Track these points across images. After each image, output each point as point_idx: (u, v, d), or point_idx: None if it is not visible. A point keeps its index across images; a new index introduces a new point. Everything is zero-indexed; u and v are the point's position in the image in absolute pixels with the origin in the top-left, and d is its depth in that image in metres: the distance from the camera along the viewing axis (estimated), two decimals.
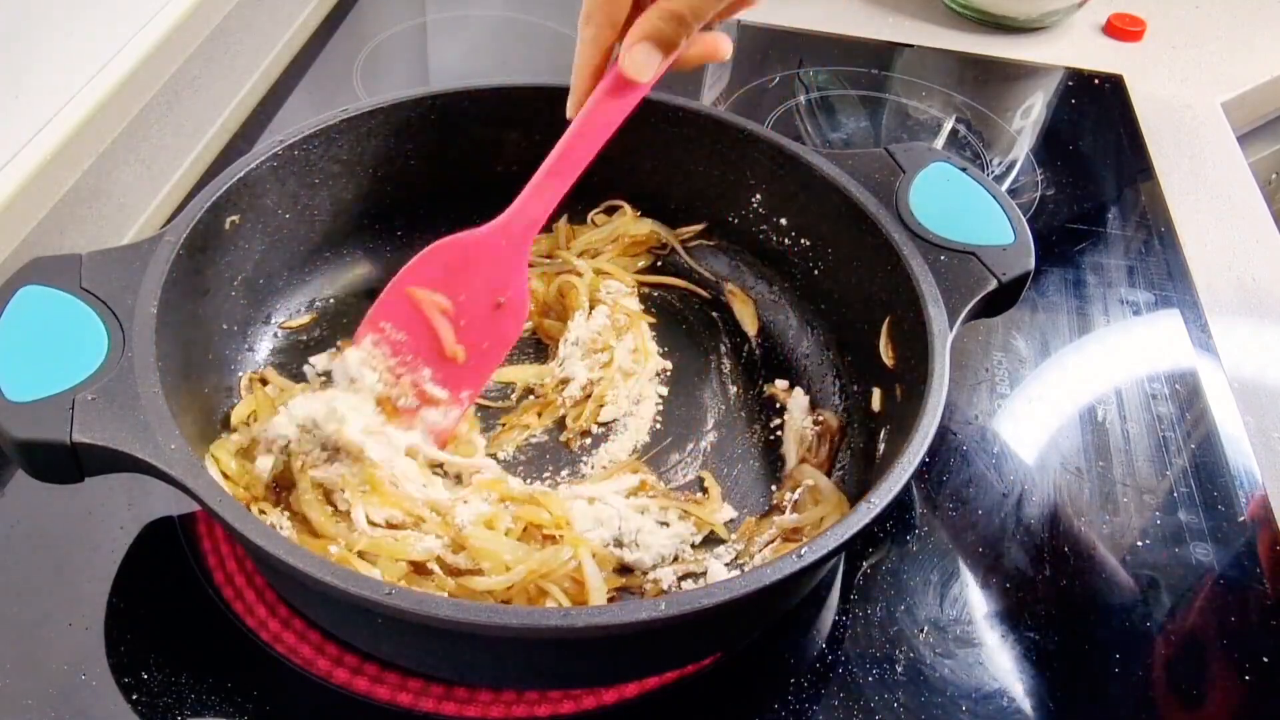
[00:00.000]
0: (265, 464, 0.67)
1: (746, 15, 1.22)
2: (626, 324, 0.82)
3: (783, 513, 0.71)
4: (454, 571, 0.64)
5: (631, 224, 0.87)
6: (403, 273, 0.70)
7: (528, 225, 0.69)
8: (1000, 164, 1.09)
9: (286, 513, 0.66)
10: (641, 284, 0.87)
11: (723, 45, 0.65)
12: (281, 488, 0.67)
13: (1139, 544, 0.74)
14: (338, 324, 0.82)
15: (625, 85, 0.65)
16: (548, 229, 0.88)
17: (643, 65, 0.63)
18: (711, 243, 0.88)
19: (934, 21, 1.29)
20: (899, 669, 0.65)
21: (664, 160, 0.85)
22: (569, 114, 0.68)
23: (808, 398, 0.78)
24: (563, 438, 0.76)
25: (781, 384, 0.80)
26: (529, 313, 0.72)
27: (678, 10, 0.61)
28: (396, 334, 0.70)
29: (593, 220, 0.89)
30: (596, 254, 0.87)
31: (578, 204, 0.89)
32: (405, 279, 0.70)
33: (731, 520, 0.71)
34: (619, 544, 0.68)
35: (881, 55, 1.23)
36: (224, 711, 0.60)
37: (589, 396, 0.77)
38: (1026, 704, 0.64)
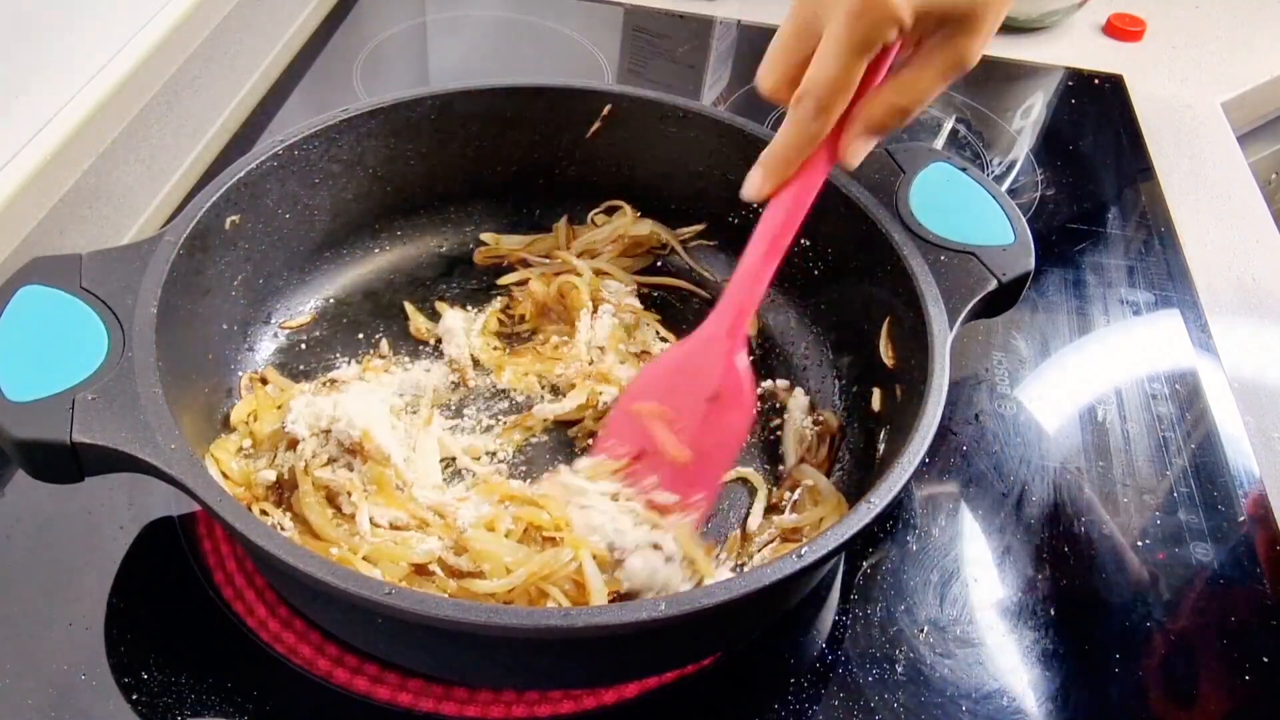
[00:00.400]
0: (268, 476, 0.67)
1: (747, 15, 1.23)
2: (635, 320, 0.82)
3: (781, 513, 0.71)
4: (455, 573, 0.64)
5: (631, 224, 0.87)
6: (623, 393, 0.73)
7: (733, 321, 0.67)
8: (1000, 164, 1.09)
9: (289, 513, 0.66)
10: (641, 284, 0.87)
11: None
12: (284, 488, 0.67)
13: (1139, 544, 0.74)
14: (338, 324, 0.82)
15: (823, 167, 0.63)
16: (547, 229, 0.89)
17: (861, 154, 0.63)
18: (712, 243, 0.88)
19: None
20: (899, 669, 0.65)
21: (664, 160, 0.85)
22: (761, 194, 0.64)
23: (808, 398, 0.78)
24: (571, 433, 0.76)
25: (782, 384, 0.80)
26: (753, 404, 0.70)
27: (903, 105, 0.60)
28: (621, 449, 0.70)
29: (593, 220, 0.89)
30: (596, 254, 0.87)
31: (578, 204, 0.89)
32: (625, 398, 0.72)
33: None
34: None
35: None
36: (224, 711, 0.60)
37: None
38: (1026, 704, 0.64)
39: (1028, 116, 1.16)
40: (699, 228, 0.88)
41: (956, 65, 0.59)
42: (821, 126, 0.60)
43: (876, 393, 0.74)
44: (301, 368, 0.78)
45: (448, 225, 0.88)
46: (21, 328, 0.61)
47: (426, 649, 0.60)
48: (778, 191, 0.64)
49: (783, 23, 0.60)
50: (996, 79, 1.21)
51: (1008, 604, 0.69)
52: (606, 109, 0.83)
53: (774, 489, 0.73)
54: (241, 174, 0.72)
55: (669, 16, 1.22)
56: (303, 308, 0.81)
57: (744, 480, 0.74)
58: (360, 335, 0.81)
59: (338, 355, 0.79)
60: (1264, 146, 1.30)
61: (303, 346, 0.79)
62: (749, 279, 0.66)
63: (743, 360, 0.68)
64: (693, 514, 0.68)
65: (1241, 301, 0.95)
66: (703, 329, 0.68)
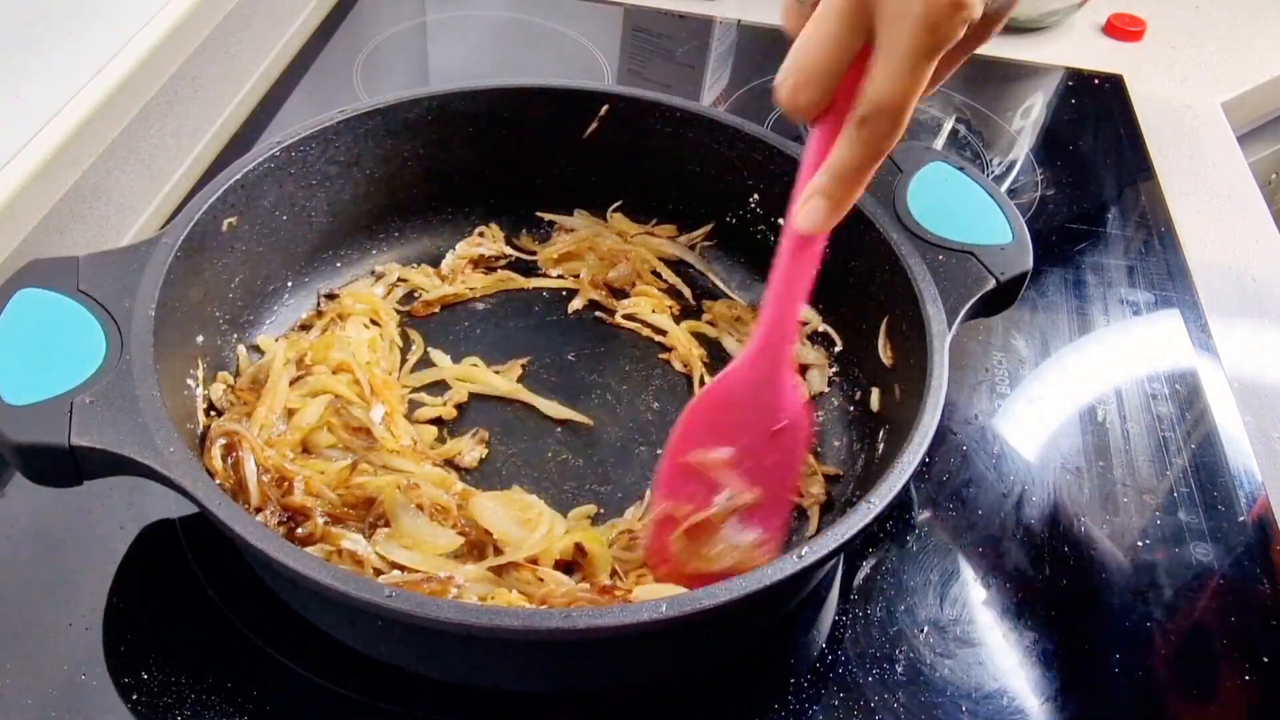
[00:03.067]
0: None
1: (747, 15, 1.23)
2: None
3: None
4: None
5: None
6: (671, 446, 0.65)
7: (778, 351, 0.62)
8: (1000, 164, 1.09)
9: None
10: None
11: None
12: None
13: (1139, 544, 0.74)
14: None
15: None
16: (545, 230, 0.89)
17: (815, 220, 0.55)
18: (709, 243, 0.88)
19: None
20: (899, 669, 0.65)
21: (663, 161, 0.85)
22: (828, 228, 0.56)
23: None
24: None
25: None
26: (813, 420, 0.67)
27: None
28: (685, 506, 0.64)
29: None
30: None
31: (576, 205, 0.89)
32: (675, 450, 0.65)
33: None
34: None
35: None
36: (224, 711, 0.60)
37: None
38: (1027, 704, 0.64)
39: (1028, 116, 1.16)
40: (707, 229, 0.87)
41: (963, 59, 0.57)
42: (895, 141, 0.53)
43: (875, 393, 0.74)
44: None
45: (445, 227, 0.87)
46: (19, 331, 0.61)
47: (425, 650, 0.60)
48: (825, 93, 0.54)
49: (814, 25, 0.51)
50: (996, 79, 1.21)
51: (1008, 604, 0.69)
52: (604, 109, 0.83)
53: None
54: (238, 176, 0.72)
55: (669, 16, 1.22)
56: (301, 309, 0.81)
57: None
58: None
59: None
60: (1264, 146, 1.29)
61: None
62: (793, 300, 0.60)
63: (794, 387, 0.64)
64: (772, 546, 0.64)
65: (1241, 301, 0.95)
66: (744, 362, 0.63)
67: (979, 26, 0.52)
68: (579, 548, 0.65)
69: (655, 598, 0.54)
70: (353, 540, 0.63)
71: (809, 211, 0.55)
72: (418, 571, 0.62)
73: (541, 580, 0.63)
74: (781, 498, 0.66)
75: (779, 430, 0.64)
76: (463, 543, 0.65)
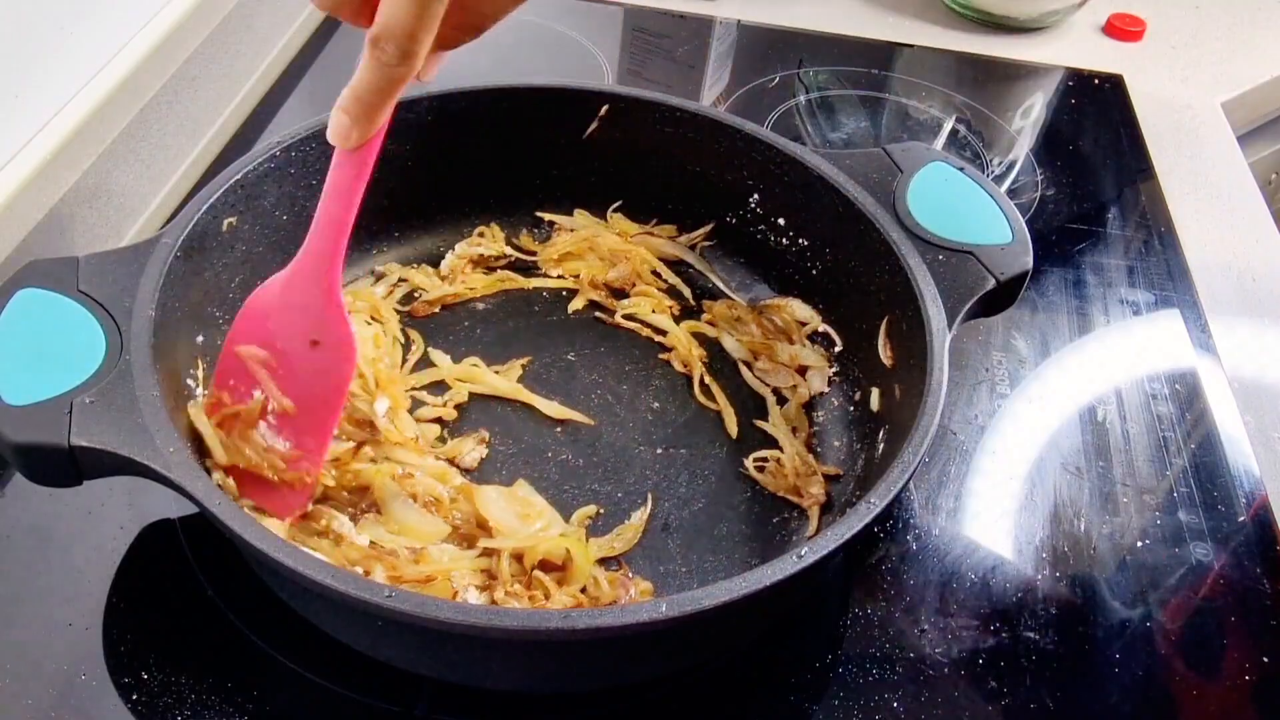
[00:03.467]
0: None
1: (747, 15, 1.23)
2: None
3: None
4: None
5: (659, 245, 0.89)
6: (230, 333, 0.67)
7: (320, 259, 0.63)
8: (1000, 164, 1.09)
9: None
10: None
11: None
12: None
13: (1139, 544, 0.74)
14: None
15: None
16: (550, 224, 0.89)
17: (435, 72, 0.59)
18: (709, 243, 0.88)
19: (934, 21, 1.29)
20: (899, 669, 0.65)
21: (663, 160, 0.85)
22: (355, 143, 0.58)
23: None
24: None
25: None
26: (355, 355, 0.66)
27: (475, 24, 0.56)
28: (236, 395, 0.66)
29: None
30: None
31: (575, 205, 0.89)
32: (230, 338, 0.67)
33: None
34: None
35: (881, 55, 1.23)
36: (224, 711, 0.60)
37: None
38: (1027, 704, 0.64)
39: (1028, 116, 1.16)
40: (707, 229, 0.87)
41: (508, 10, 0.56)
42: (408, 69, 0.53)
43: (875, 393, 0.74)
44: None
45: (445, 227, 0.87)
46: (19, 331, 0.61)
47: (424, 650, 0.60)
48: (372, 137, 0.58)
49: None
50: (996, 79, 1.21)
51: (1008, 604, 0.69)
52: (604, 109, 0.83)
53: None
54: (239, 175, 0.72)
55: (669, 16, 1.22)
56: None
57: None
58: None
59: None
60: (1264, 146, 1.29)
61: None
62: (339, 210, 0.61)
63: (339, 310, 0.64)
64: (310, 466, 0.65)
65: (1241, 301, 0.95)
66: (290, 272, 0.64)
67: None
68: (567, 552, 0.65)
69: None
70: (339, 521, 0.63)
71: (333, 125, 0.56)
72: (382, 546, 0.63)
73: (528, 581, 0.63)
74: (319, 421, 0.66)
75: (318, 347, 0.65)
76: (450, 532, 0.65)
